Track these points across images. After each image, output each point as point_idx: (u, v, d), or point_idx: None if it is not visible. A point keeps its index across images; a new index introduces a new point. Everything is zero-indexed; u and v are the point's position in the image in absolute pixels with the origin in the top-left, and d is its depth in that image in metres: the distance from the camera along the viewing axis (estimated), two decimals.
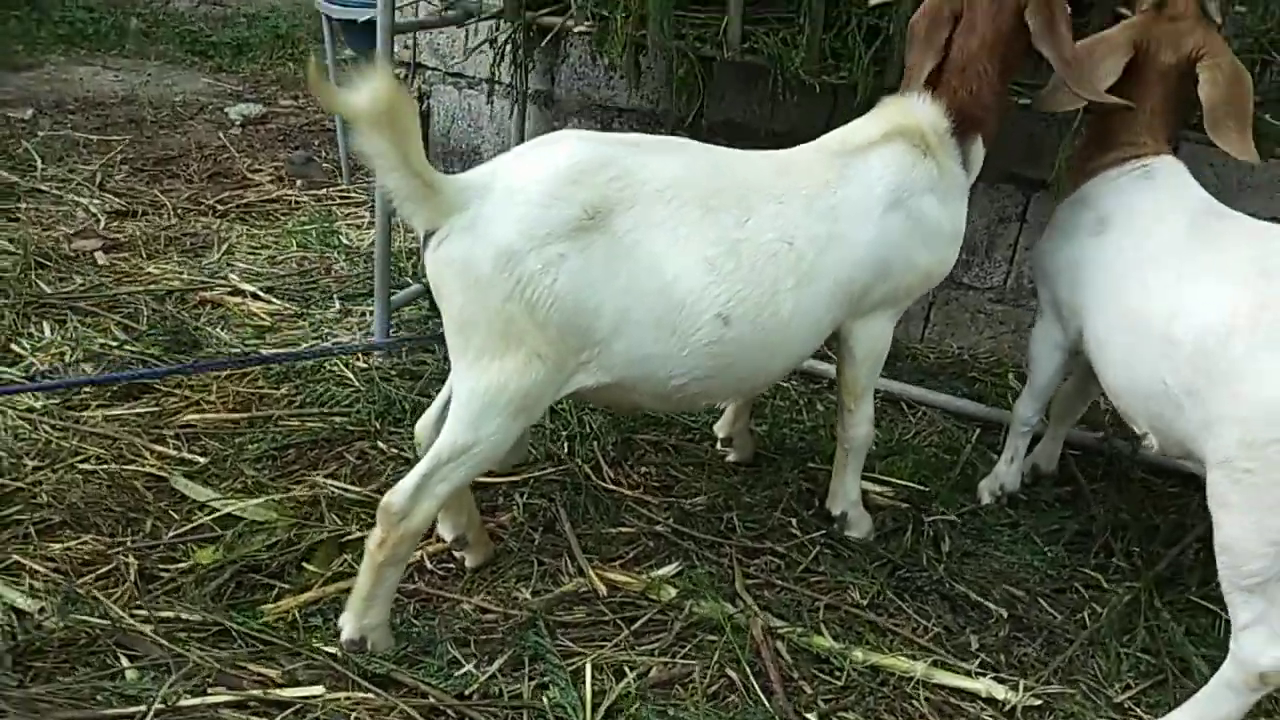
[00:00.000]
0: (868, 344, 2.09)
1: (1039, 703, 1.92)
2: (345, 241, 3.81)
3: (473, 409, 1.73)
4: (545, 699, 1.81)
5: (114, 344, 2.85)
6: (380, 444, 2.51)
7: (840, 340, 2.09)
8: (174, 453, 2.43)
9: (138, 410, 2.60)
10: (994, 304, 3.24)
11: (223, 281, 3.35)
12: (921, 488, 2.51)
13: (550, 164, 1.71)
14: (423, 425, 2.03)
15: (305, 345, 2.98)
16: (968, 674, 1.97)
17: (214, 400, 2.65)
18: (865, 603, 2.14)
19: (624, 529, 2.30)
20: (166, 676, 1.77)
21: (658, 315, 1.76)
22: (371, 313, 3.10)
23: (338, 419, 2.59)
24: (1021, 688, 1.93)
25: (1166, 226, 1.96)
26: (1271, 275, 1.73)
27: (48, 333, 2.88)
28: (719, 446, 2.59)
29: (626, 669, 1.91)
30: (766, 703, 1.84)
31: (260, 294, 3.29)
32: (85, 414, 2.58)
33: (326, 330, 3.09)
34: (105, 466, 2.34)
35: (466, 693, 1.82)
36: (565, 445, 2.59)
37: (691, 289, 1.76)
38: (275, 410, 2.62)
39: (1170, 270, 1.90)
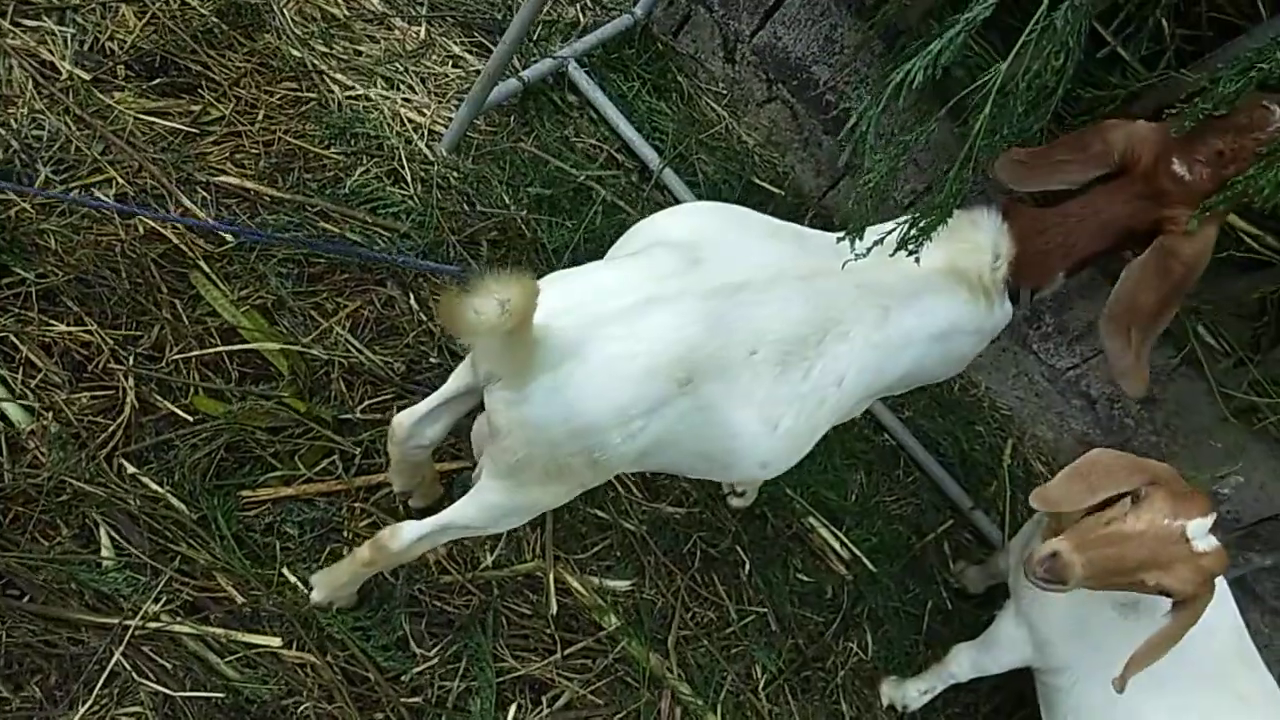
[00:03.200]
0: None
1: None
2: None
3: (499, 510, 1.70)
4: (470, 708, 2.01)
5: None
6: (412, 297, 2.35)
7: None
8: (198, 211, 2.20)
9: (173, 121, 2.29)
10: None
11: None
12: (872, 568, 2.64)
13: (657, 333, 1.50)
14: (408, 420, 1.84)
15: (363, 70, 2.59)
16: None
17: (252, 147, 2.35)
18: (763, 686, 2.36)
19: (600, 515, 2.35)
20: (141, 579, 1.83)
21: (705, 452, 1.70)
22: (458, 64, 2.71)
23: (379, 236, 2.38)
24: None
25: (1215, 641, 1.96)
26: None
27: None
28: None
29: (546, 694, 2.10)
30: None
31: None
32: (117, 96, 2.26)
33: (396, 63, 2.68)
34: (115, 188, 2.13)
35: (402, 678, 1.99)
36: None
37: (745, 446, 1.68)
38: (312, 195, 2.35)
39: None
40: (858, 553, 2.64)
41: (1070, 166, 1.79)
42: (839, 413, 1.79)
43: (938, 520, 2.84)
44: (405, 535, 1.75)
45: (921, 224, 1.62)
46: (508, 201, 2.52)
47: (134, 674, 1.78)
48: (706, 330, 1.54)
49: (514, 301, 1.25)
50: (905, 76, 1.48)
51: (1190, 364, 2.46)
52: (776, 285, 1.63)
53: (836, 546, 2.61)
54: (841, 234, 1.66)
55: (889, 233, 1.59)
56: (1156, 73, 1.87)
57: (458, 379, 1.73)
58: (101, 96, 2.24)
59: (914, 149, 1.56)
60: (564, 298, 1.49)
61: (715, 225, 1.73)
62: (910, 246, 1.64)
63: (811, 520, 2.61)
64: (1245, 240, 2.08)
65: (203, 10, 2.46)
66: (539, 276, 2.40)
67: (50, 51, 2.24)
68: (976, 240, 1.84)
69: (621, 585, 2.29)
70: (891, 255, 1.66)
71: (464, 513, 1.70)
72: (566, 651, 2.17)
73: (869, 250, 1.60)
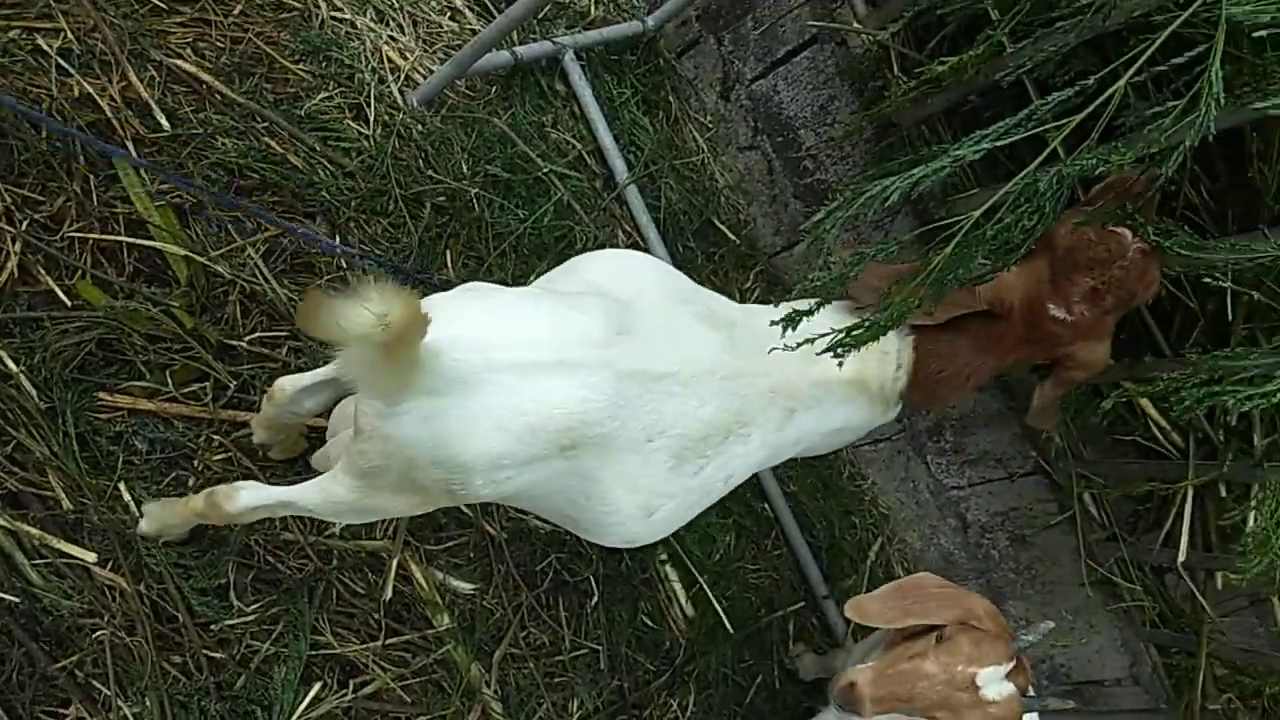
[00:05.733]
0: None
1: None
2: None
3: (343, 506, 1.60)
4: (273, 675, 1.93)
5: None
6: (338, 239, 2.25)
7: None
8: (142, 89, 2.07)
9: None
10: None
11: None
12: (725, 629, 2.62)
13: (556, 398, 1.43)
14: (290, 387, 1.78)
15: (342, 14, 2.48)
16: None
17: (219, 39, 2.22)
18: None
19: (464, 511, 2.29)
20: None
21: (571, 515, 1.65)
22: (456, 17, 2.61)
23: (323, 168, 2.27)
24: None
25: None
26: None
27: None
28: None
29: (356, 679, 2.04)
30: None
31: None
32: None
33: (386, 5, 2.55)
34: (61, 40, 1.99)
35: (212, 627, 1.90)
36: None
37: (615, 522, 1.64)
38: (266, 107, 2.23)
39: None
40: (712, 612, 2.63)
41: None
42: (717, 499, 1.78)
43: (791, 599, 2.85)
44: (242, 500, 1.67)
45: (855, 334, 1.60)
46: (465, 172, 2.43)
47: None
48: (609, 408, 1.48)
49: (393, 320, 1.18)
50: (881, 192, 1.46)
51: (1069, 524, 2.51)
52: (697, 383, 1.60)
53: (684, 602, 2.60)
54: (777, 319, 1.63)
55: (819, 337, 1.57)
56: None
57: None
58: None
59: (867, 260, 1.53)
60: (473, 329, 1.41)
61: (658, 294, 1.68)
62: (838, 352, 1.62)
63: (669, 569, 2.59)
64: (1152, 428, 2.13)
65: None
66: (476, 259, 2.39)
67: None
68: (885, 349, 1.88)
69: (465, 587, 2.24)
70: (818, 354, 1.64)
71: (307, 497, 1.62)
72: (389, 641, 2.10)
73: (797, 347, 1.58)
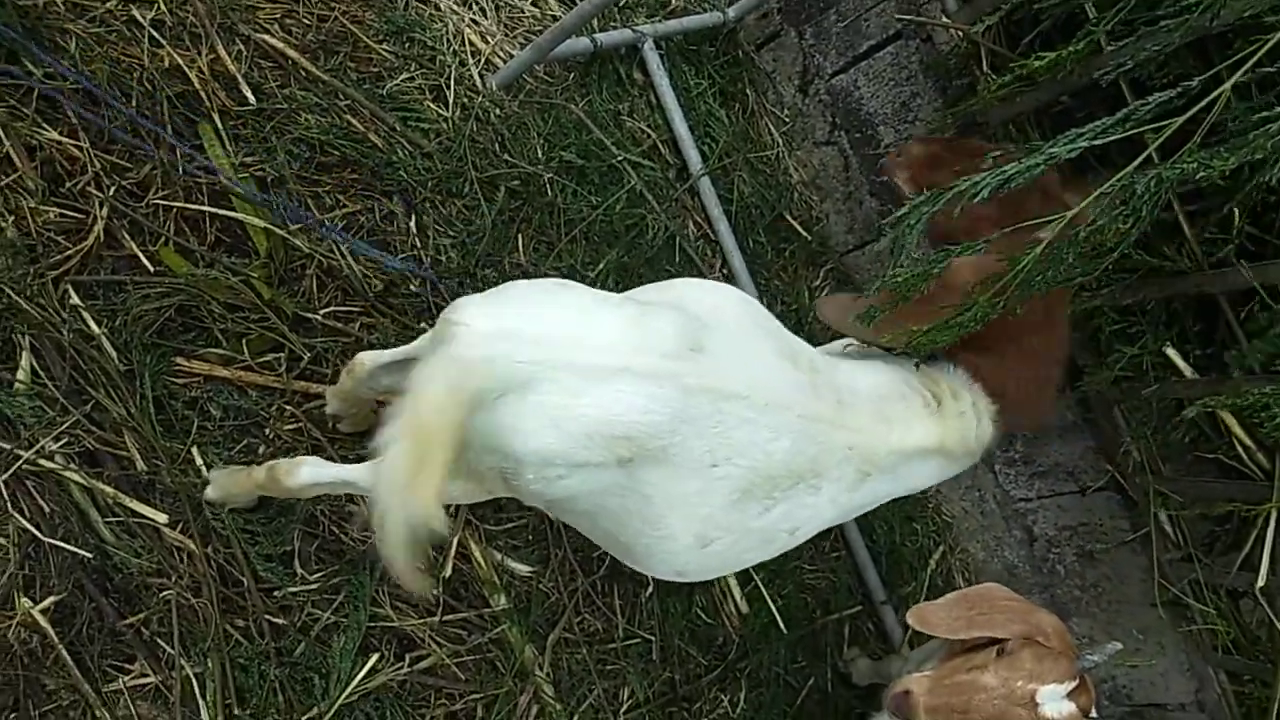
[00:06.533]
0: None
1: None
2: None
3: None
4: (332, 644, 1.95)
5: None
6: (413, 220, 2.27)
7: None
8: (230, 62, 2.10)
9: None
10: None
11: None
12: (778, 628, 2.60)
13: (618, 405, 1.39)
14: (370, 362, 1.79)
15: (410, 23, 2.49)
16: None
17: (306, 17, 2.25)
18: (626, 709, 2.32)
19: None
20: (49, 413, 1.76)
21: (621, 537, 1.60)
22: (538, 3, 2.62)
23: (402, 147, 2.29)
24: None
25: None
26: None
27: None
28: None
29: (412, 653, 2.05)
30: None
31: None
32: None
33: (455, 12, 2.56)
34: (155, 12, 2.03)
35: (275, 593, 1.93)
36: None
37: (667, 549, 1.59)
38: (349, 85, 2.26)
39: None
40: (767, 610, 2.61)
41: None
42: (778, 552, 1.73)
43: (847, 602, 2.81)
44: (302, 475, 1.70)
45: (932, 335, 1.57)
46: (540, 157, 2.43)
47: (9, 504, 1.71)
48: (672, 421, 1.42)
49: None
50: (971, 188, 1.42)
51: (1142, 542, 2.44)
52: (771, 414, 1.52)
53: (739, 598, 2.58)
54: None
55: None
56: (1215, 260, 1.83)
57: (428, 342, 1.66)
58: None
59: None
60: (539, 326, 1.40)
61: (741, 320, 1.62)
62: (914, 355, 1.59)
63: None
64: (1236, 447, 2.05)
65: None
66: (547, 245, 2.39)
67: None
68: (960, 409, 1.80)
69: (522, 569, 2.24)
70: (895, 354, 1.61)
71: (365, 478, 1.63)
72: (446, 617, 2.12)
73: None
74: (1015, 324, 1.67)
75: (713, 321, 1.52)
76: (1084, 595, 2.81)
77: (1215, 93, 1.36)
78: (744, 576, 2.59)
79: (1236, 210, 1.76)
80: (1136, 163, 1.38)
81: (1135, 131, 1.39)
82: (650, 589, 2.44)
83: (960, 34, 2.15)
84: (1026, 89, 2.03)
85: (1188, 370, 2.00)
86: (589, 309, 1.48)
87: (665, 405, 1.41)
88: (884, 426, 1.67)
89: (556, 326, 1.42)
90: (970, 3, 2.17)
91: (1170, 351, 2.03)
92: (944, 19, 2.19)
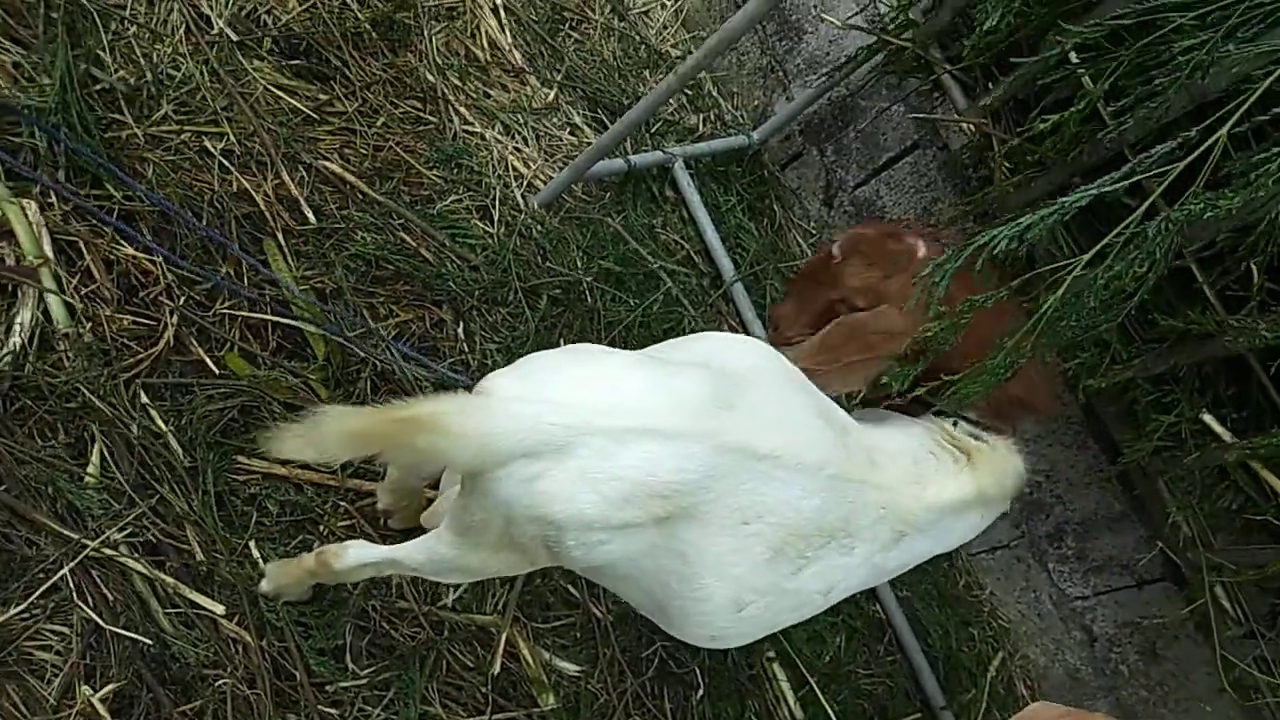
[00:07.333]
0: None
1: None
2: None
3: (446, 564, 1.63)
4: None
5: None
6: (462, 326, 2.38)
7: None
8: (293, 187, 2.28)
9: (298, 101, 2.40)
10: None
11: None
12: None
13: (650, 466, 1.41)
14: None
15: (487, 112, 2.70)
16: None
17: (363, 146, 2.45)
18: None
19: (571, 591, 2.30)
20: (115, 506, 1.83)
21: (659, 597, 1.59)
22: (575, 132, 2.81)
23: (450, 260, 2.43)
24: None
25: None
26: None
27: None
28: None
29: None
30: None
31: (503, 9, 2.91)
32: (255, 64, 2.38)
33: (519, 115, 2.78)
34: (224, 143, 2.22)
35: (327, 687, 1.93)
36: None
37: (702, 611, 1.57)
38: (402, 206, 2.42)
39: None
40: (823, 715, 2.54)
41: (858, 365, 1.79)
42: (811, 614, 1.72)
43: (904, 709, 2.73)
44: (350, 558, 1.73)
45: (962, 391, 1.61)
46: (579, 265, 2.56)
47: (74, 594, 1.76)
48: (704, 479, 1.43)
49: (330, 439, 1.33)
50: (990, 241, 1.50)
51: (1200, 628, 2.37)
52: (803, 473, 1.52)
53: (793, 704, 2.52)
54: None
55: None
56: (1236, 317, 1.87)
57: None
58: (242, 59, 2.36)
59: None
60: (570, 393, 1.43)
61: (772, 378, 1.64)
62: (947, 410, 1.63)
63: (777, 668, 2.52)
64: None
65: (359, 15, 2.60)
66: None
67: (210, 7, 2.37)
68: (989, 453, 1.80)
69: (571, 668, 2.23)
70: (931, 412, 1.65)
71: (411, 555, 1.66)
72: (495, 716, 2.09)
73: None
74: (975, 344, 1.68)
75: (746, 379, 1.56)
76: (1150, 695, 2.71)
77: (1212, 139, 1.44)
78: (799, 679, 2.54)
79: (1254, 266, 1.81)
80: (1144, 207, 1.45)
81: (1140, 177, 1.48)
82: (700, 692, 2.40)
83: (972, 127, 2.28)
84: (1039, 174, 2.14)
85: (1226, 435, 2.01)
86: (616, 373, 1.51)
87: (697, 463, 1.43)
88: (917, 486, 1.69)
89: (585, 390, 1.45)
90: (977, 97, 2.31)
91: (1207, 418, 2.04)
92: (955, 115, 2.33)
